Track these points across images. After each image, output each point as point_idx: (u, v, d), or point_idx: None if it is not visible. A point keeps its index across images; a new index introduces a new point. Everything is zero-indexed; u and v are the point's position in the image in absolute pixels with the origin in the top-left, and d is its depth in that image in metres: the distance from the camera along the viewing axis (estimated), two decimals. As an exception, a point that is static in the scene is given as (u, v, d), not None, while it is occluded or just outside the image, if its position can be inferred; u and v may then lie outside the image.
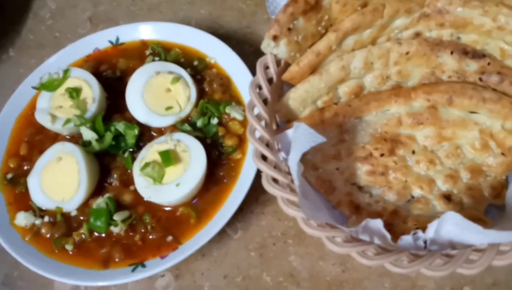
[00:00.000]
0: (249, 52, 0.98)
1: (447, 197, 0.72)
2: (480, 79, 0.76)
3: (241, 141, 0.83)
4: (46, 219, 0.80)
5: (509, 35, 0.74)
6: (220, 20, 1.07)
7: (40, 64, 0.96)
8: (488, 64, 0.75)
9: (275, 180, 0.66)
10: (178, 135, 0.80)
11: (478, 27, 0.76)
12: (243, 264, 0.78)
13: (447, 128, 0.76)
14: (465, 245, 0.60)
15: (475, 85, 0.75)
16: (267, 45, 0.76)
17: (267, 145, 0.71)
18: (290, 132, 0.73)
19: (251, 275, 0.77)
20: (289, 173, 0.66)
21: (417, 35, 0.79)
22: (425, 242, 0.64)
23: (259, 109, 0.73)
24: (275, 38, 0.74)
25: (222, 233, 0.80)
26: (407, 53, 0.77)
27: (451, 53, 0.76)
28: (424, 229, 0.63)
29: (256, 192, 0.80)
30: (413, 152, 0.76)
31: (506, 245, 0.58)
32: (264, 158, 0.69)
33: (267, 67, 0.77)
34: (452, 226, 0.60)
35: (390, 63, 0.78)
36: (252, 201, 0.83)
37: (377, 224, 0.64)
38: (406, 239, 0.64)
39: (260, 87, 0.75)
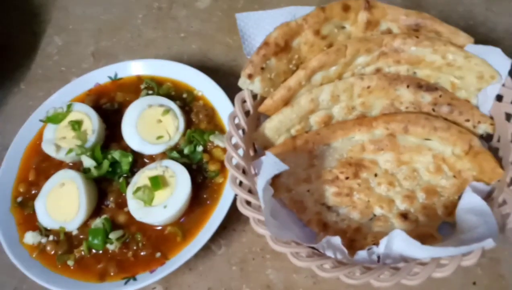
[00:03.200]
0: (234, 83, 1.04)
1: (404, 216, 0.80)
2: (433, 110, 0.84)
3: (223, 166, 0.90)
4: (51, 237, 0.87)
5: (457, 70, 0.83)
6: (209, 54, 1.17)
7: (48, 96, 1.04)
8: (440, 96, 0.84)
9: (248, 203, 0.75)
10: (166, 162, 0.89)
11: (430, 63, 0.84)
12: (226, 277, 0.86)
13: (405, 153, 0.84)
14: (413, 259, 0.69)
15: (428, 115, 0.83)
16: (243, 82, 0.85)
17: (243, 171, 0.79)
18: (264, 158, 0.82)
19: (233, 287, 0.85)
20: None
21: (378, 70, 0.87)
22: (378, 256, 0.72)
23: (236, 139, 0.82)
24: (250, 76, 0.84)
25: (207, 249, 0.88)
26: (369, 87, 0.85)
27: (407, 86, 0.85)
28: (380, 244, 0.72)
29: (238, 211, 0.87)
30: (376, 175, 0.84)
31: (446, 259, 0.66)
32: (241, 182, 0.77)
33: (244, 101, 0.86)
34: (400, 242, 0.68)
35: (355, 96, 0.86)
36: (235, 220, 0.90)
37: (336, 241, 0.72)
38: (362, 254, 0.72)
39: (238, 119, 0.85)
